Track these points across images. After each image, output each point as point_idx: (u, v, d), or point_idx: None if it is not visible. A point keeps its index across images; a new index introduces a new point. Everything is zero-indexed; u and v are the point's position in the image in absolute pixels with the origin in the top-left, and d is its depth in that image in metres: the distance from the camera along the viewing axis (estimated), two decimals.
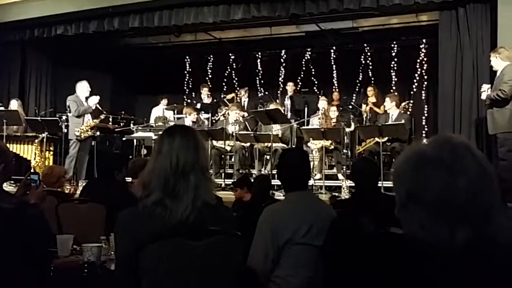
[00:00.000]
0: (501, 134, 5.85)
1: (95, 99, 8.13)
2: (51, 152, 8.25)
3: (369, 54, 10.50)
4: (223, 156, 8.34)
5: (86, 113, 8.04)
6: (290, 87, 9.89)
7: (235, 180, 6.47)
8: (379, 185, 3.65)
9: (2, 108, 8.65)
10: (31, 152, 8.11)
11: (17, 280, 2.12)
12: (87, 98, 8.18)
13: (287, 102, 9.43)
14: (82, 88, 8.13)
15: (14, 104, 8.75)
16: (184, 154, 1.83)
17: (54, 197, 3.94)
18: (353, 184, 6.42)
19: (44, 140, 7.94)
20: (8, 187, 5.66)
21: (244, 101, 10.09)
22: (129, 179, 4.53)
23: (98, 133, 8.29)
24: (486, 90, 6.04)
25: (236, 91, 10.49)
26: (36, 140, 8.01)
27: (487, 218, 1.16)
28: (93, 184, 4.75)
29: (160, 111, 10.01)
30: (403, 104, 8.24)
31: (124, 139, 9.26)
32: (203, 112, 9.66)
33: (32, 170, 6.15)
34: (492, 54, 6.03)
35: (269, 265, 2.59)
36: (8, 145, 8.02)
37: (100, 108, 8.26)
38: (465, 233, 1.14)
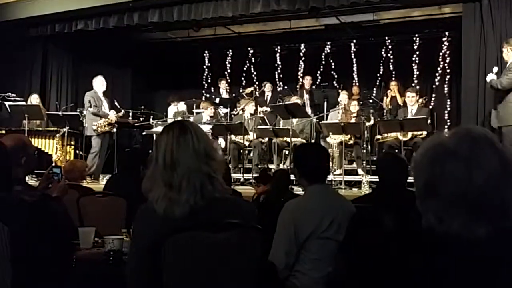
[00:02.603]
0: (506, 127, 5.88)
1: (114, 113, 8.24)
2: (72, 147, 8.32)
3: (390, 47, 10.37)
4: (241, 150, 8.34)
5: (104, 117, 8.11)
6: (307, 81, 9.81)
7: (257, 175, 6.47)
8: (407, 180, 3.48)
9: (24, 103, 8.75)
10: (52, 146, 8.18)
11: (40, 272, 2.14)
12: (104, 93, 8.28)
13: (306, 97, 9.35)
14: (98, 83, 8.25)
15: (34, 99, 8.84)
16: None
17: (75, 191, 3.97)
18: (374, 179, 6.43)
19: (65, 134, 8.02)
20: (30, 181, 5.73)
21: (267, 95, 10.05)
22: None
23: (114, 129, 8.34)
24: (493, 72, 6.09)
25: (258, 85, 10.44)
26: (58, 135, 8.07)
27: (507, 213, 1.13)
28: (117, 179, 4.77)
29: (179, 106, 10.03)
30: (420, 100, 8.13)
31: (143, 133, 9.32)
32: (221, 106, 9.66)
33: (53, 164, 6.21)
34: (505, 45, 6.00)
35: (292, 260, 2.58)
36: (30, 139, 8.13)
37: (118, 106, 8.38)
38: (484, 228, 1.11)
